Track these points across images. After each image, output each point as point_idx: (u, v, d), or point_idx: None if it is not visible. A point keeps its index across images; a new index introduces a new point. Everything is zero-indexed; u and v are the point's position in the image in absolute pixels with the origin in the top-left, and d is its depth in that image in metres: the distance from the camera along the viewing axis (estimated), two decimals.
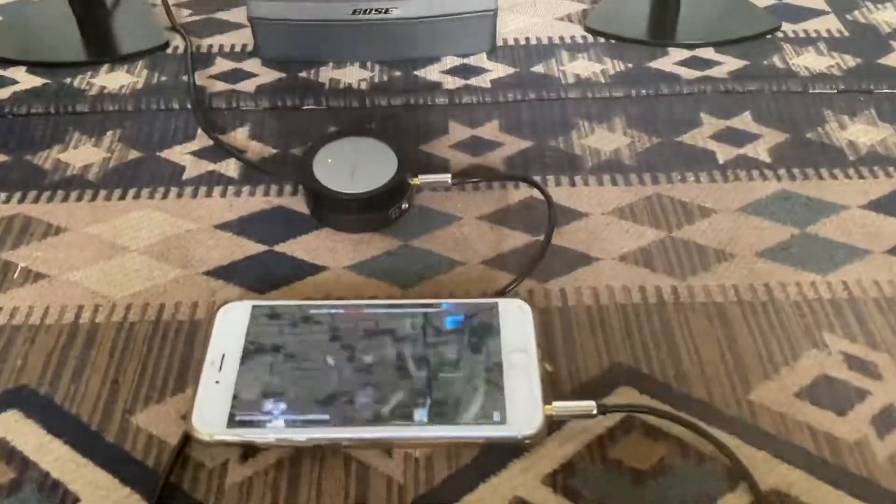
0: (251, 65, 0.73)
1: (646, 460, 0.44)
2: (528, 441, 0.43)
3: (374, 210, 0.57)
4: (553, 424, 0.44)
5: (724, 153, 0.64)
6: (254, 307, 0.49)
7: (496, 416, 0.43)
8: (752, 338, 0.50)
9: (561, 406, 0.44)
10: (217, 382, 0.45)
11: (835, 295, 0.53)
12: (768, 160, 0.63)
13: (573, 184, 0.61)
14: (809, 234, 0.57)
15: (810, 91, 0.69)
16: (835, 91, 0.69)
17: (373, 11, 0.68)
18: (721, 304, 0.52)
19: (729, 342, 0.50)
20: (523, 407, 0.44)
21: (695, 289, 0.53)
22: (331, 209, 0.57)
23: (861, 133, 0.65)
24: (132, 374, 0.49)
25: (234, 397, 0.45)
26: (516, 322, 0.48)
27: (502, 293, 0.53)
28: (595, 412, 0.44)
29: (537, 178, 0.62)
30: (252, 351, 0.47)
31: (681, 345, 0.50)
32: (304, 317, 0.49)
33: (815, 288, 0.53)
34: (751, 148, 0.64)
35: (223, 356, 0.47)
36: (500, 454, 0.44)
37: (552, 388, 0.47)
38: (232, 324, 0.48)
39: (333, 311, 0.49)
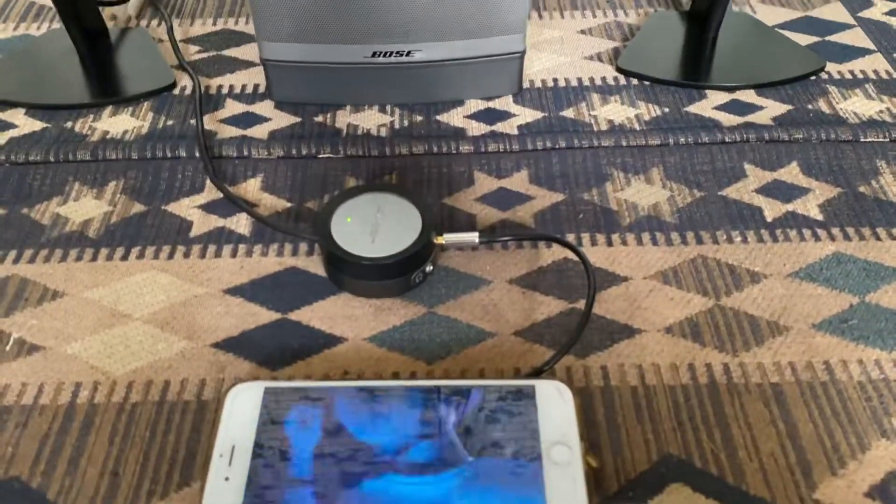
0: (263, 107, 0.69)
1: None
2: None
3: (397, 275, 0.53)
4: None
5: (771, 209, 0.59)
6: (266, 390, 0.45)
7: None
8: (813, 425, 0.46)
9: None
10: (227, 479, 0.41)
11: None
12: (820, 218, 0.58)
13: (610, 243, 0.57)
14: (869, 304, 0.52)
15: (861, 140, 0.64)
16: (887, 140, 0.64)
17: (393, 54, 0.64)
18: (777, 384, 0.48)
19: (789, 430, 0.46)
20: None
21: (748, 367, 0.49)
22: (350, 274, 0.53)
23: None
24: (133, 464, 0.44)
25: (246, 497, 0.40)
26: (556, 409, 0.44)
27: (539, 373, 0.48)
28: None
29: (571, 237, 0.57)
30: (265, 442, 0.42)
31: (736, 434, 0.45)
32: (320, 403, 0.44)
33: (880, 366, 0.49)
34: (800, 203, 0.60)
35: (233, 448, 0.42)
36: None
37: (597, 488, 0.42)
38: (242, 410, 0.44)
39: (351, 395, 0.44)
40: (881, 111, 0.67)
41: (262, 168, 0.63)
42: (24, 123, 0.67)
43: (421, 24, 0.63)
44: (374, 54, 0.64)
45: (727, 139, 0.64)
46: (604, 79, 0.72)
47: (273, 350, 0.50)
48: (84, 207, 0.60)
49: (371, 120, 0.67)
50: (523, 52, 0.66)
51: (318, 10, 0.62)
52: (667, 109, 0.68)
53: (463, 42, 0.64)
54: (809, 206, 0.59)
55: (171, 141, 0.64)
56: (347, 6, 0.61)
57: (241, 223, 0.59)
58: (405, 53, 0.64)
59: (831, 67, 0.72)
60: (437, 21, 0.63)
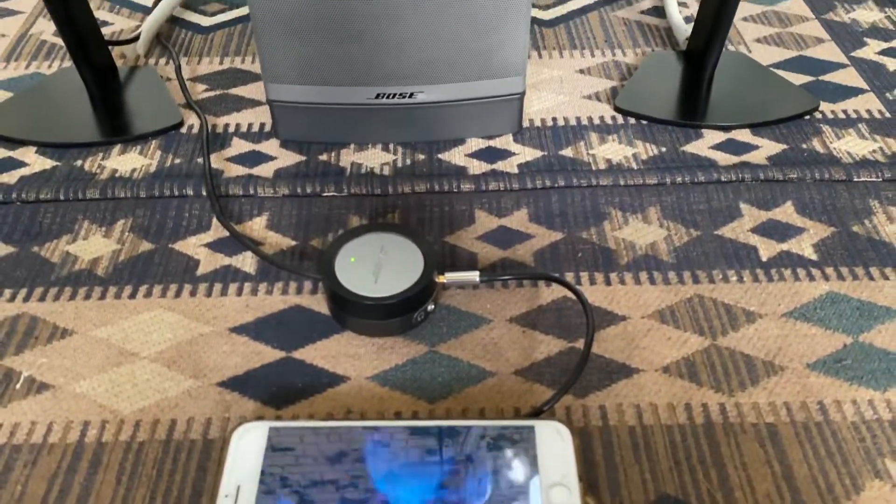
0: (269, 146, 0.70)
1: None
2: None
3: (399, 314, 0.54)
4: None
5: (766, 249, 0.60)
6: (271, 430, 0.46)
7: None
8: (807, 465, 0.47)
9: None
10: None
11: (895, 415, 0.49)
12: (814, 257, 0.59)
13: (609, 282, 0.58)
14: (863, 344, 0.53)
15: (854, 179, 0.66)
16: (880, 179, 0.66)
17: (396, 96, 0.66)
18: (773, 424, 0.49)
19: (784, 470, 0.46)
20: None
21: (744, 407, 0.50)
22: (353, 313, 0.54)
23: None
24: (140, 503, 0.45)
25: None
26: (555, 449, 0.45)
27: (538, 413, 0.49)
28: None
29: (570, 276, 0.58)
30: (270, 483, 0.43)
31: (732, 474, 0.46)
32: (324, 442, 0.45)
33: (874, 407, 0.50)
34: (795, 243, 0.61)
35: (238, 488, 0.43)
36: None
37: None
38: (248, 450, 0.45)
39: (354, 435, 0.45)
40: (874, 151, 0.69)
41: (268, 206, 0.64)
42: (34, 161, 0.68)
43: (424, 68, 0.64)
44: (377, 96, 0.66)
45: (723, 178, 0.66)
46: (602, 118, 0.73)
47: (277, 389, 0.51)
48: (93, 246, 0.61)
49: (374, 158, 0.69)
50: (523, 94, 0.68)
51: (323, 54, 0.63)
52: (664, 149, 0.69)
53: (464, 84, 0.66)
54: (804, 246, 0.61)
55: (178, 179, 0.66)
56: (352, 50, 0.63)
57: (246, 262, 0.60)
58: (408, 95, 0.66)
59: (825, 107, 0.74)
60: (439, 64, 0.64)
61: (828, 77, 0.78)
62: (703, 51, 0.76)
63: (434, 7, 0.61)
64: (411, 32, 0.62)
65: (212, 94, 0.76)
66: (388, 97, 0.66)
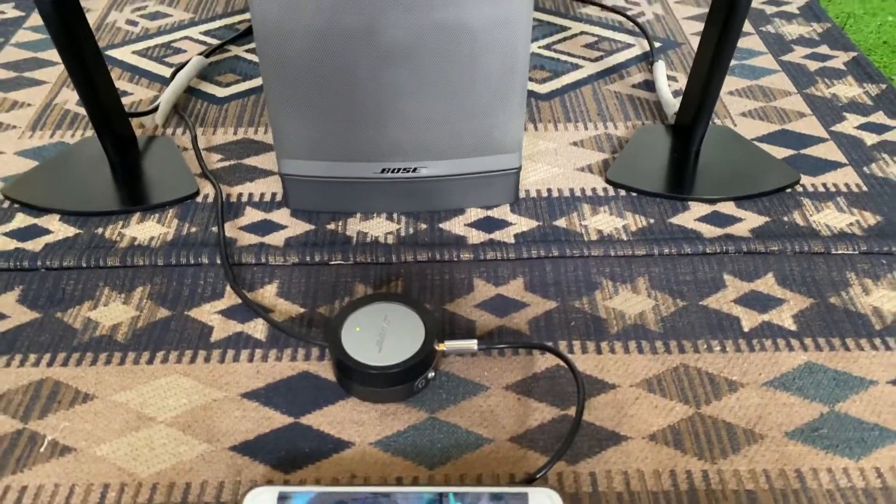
0: (280, 215, 0.74)
1: None
2: None
3: (401, 382, 0.57)
4: None
5: (749, 319, 0.64)
6: (280, 495, 0.49)
7: None
8: None
9: None
10: None
11: (868, 483, 0.52)
12: (793, 328, 0.63)
13: (599, 351, 0.61)
14: (839, 413, 0.57)
15: (832, 252, 0.70)
16: (856, 252, 0.70)
17: (401, 171, 0.70)
18: (752, 491, 0.52)
19: None
20: None
21: (725, 474, 0.53)
22: (358, 381, 0.57)
23: (885, 299, 0.65)
24: None
25: None
26: None
27: (531, 480, 0.52)
28: None
29: (563, 344, 0.62)
30: None
31: None
32: None
33: (848, 475, 0.53)
34: (775, 314, 0.64)
35: None
36: None
37: None
38: None
39: (358, 501, 0.48)
40: (851, 224, 0.73)
41: (278, 274, 0.68)
42: (58, 229, 0.72)
43: (426, 145, 0.69)
44: (383, 170, 0.70)
45: (708, 251, 0.70)
46: (594, 189, 0.77)
47: (286, 454, 0.54)
48: (113, 312, 0.65)
49: (379, 227, 0.73)
50: (519, 168, 0.72)
51: (333, 132, 0.68)
52: (652, 220, 0.73)
53: (464, 160, 0.70)
54: (784, 317, 0.64)
55: (194, 248, 0.70)
56: (361, 129, 0.67)
57: (258, 328, 0.63)
58: (412, 170, 0.70)
59: (806, 180, 0.78)
60: (441, 142, 0.69)
61: (809, 151, 0.82)
62: (690, 124, 0.80)
63: (436, 90, 0.65)
64: (415, 113, 0.67)
65: (226, 163, 0.81)
66: (392, 171, 0.70)
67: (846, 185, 0.78)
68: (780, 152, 0.82)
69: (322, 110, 0.66)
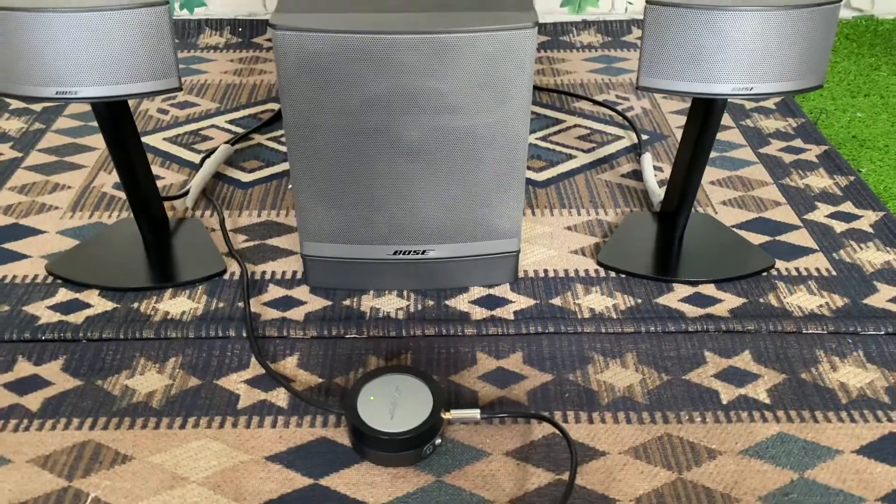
0: (300, 292, 0.81)
1: None
2: None
3: (411, 447, 0.63)
4: None
5: (727, 393, 0.70)
6: None
7: None
8: None
9: None
10: None
11: None
12: (767, 401, 0.69)
13: (591, 420, 0.68)
14: (808, 480, 0.62)
15: (804, 331, 0.76)
16: (825, 332, 0.76)
17: (411, 253, 0.78)
18: None
19: None
20: None
21: None
22: (372, 447, 0.63)
23: (851, 375, 0.72)
24: None
25: None
26: None
27: None
28: None
29: (558, 414, 0.68)
30: None
31: None
32: None
33: None
34: (751, 388, 0.71)
35: None
36: None
37: None
38: None
39: None
40: (821, 305, 0.80)
41: (299, 347, 0.75)
42: (97, 303, 0.79)
43: (434, 230, 0.76)
44: (395, 252, 0.78)
45: (690, 329, 0.77)
46: (587, 271, 0.85)
47: None
48: (149, 381, 0.71)
49: (391, 303, 0.80)
50: (518, 251, 0.80)
51: (352, 218, 0.76)
52: (640, 300, 0.81)
53: (469, 244, 0.78)
54: (759, 391, 0.70)
55: (222, 322, 0.77)
56: (377, 215, 0.75)
57: (280, 397, 0.70)
58: (421, 252, 0.78)
59: (780, 265, 0.86)
60: (447, 228, 0.76)
61: (783, 237, 0.90)
62: (674, 212, 0.88)
63: (444, 182, 0.74)
64: (425, 201, 0.75)
65: (251, 244, 0.88)
66: (404, 253, 0.78)
67: (817, 269, 0.85)
68: (757, 238, 0.90)
69: (343, 198, 0.75)
